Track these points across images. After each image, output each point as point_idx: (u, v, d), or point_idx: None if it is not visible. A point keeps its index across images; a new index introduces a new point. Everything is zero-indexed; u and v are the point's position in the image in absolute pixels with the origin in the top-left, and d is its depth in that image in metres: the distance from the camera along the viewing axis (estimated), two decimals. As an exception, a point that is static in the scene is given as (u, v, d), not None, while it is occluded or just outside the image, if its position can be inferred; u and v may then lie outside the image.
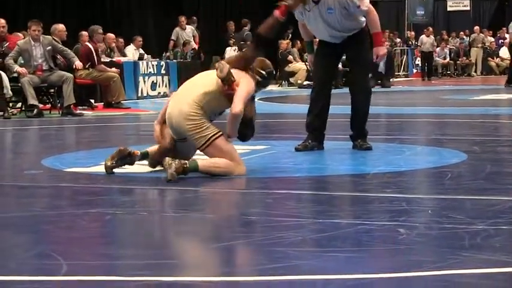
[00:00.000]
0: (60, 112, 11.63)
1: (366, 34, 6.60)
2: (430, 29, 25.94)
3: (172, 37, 18.72)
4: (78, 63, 11.76)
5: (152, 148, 5.43)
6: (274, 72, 5.83)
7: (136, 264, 3.05)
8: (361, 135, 6.65)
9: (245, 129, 5.43)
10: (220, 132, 5.21)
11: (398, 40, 28.30)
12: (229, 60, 5.53)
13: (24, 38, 12.15)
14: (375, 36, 6.47)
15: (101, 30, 13.24)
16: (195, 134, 5.17)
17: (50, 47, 11.54)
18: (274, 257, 3.11)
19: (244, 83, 5.27)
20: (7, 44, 12.04)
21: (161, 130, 5.40)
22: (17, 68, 11.19)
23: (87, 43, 12.94)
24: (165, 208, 4.36)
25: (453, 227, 3.56)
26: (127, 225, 3.92)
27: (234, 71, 5.27)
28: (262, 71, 5.49)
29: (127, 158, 5.28)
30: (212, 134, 5.17)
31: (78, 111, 11.63)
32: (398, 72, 26.93)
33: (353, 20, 6.42)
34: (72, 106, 11.48)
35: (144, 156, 5.39)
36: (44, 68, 11.44)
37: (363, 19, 6.49)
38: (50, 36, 11.82)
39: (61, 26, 12.67)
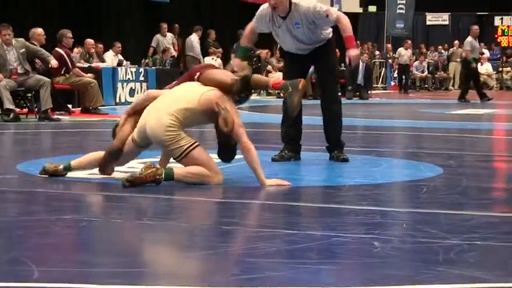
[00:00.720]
0: (37, 116, 11.58)
1: (332, 44, 6.67)
2: (409, 42, 26.14)
3: (153, 44, 18.71)
4: (53, 62, 11.69)
5: (77, 160, 5.42)
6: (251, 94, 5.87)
7: (110, 272, 3.03)
8: (337, 147, 6.67)
9: (230, 152, 5.52)
10: (197, 143, 5.20)
11: (377, 53, 28.47)
12: (214, 78, 5.45)
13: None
14: (347, 39, 6.44)
15: (70, 34, 12.99)
16: (171, 144, 5.15)
17: (23, 49, 11.49)
18: (247, 268, 3.10)
19: (232, 111, 5.25)
20: None
21: (124, 123, 5.40)
22: None
23: (58, 48, 12.73)
24: (140, 216, 4.33)
25: (427, 241, 3.57)
26: (101, 232, 3.89)
27: (216, 93, 5.27)
28: (242, 94, 5.49)
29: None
30: (188, 145, 5.16)
31: (55, 116, 11.57)
32: (377, 84, 27.08)
33: (320, 32, 6.49)
34: (49, 111, 11.43)
35: (66, 169, 5.39)
36: (19, 71, 11.38)
37: (329, 30, 6.56)
38: (22, 39, 11.75)
39: (39, 30, 12.60)
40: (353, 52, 6.46)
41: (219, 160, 5.66)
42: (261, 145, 7.93)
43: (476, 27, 18.97)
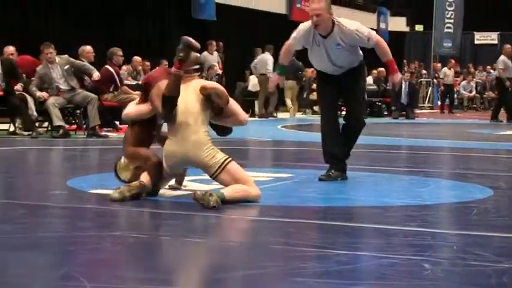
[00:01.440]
0: (86, 133, 11.73)
1: (363, 67, 6.75)
2: (453, 61, 25.91)
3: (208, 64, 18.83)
4: (96, 75, 11.82)
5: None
6: None
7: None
8: (340, 161, 6.64)
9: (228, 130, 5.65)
10: (230, 158, 5.23)
11: (424, 72, 28.30)
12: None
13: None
14: (389, 64, 6.58)
15: (120, 52, 13.08)
16: (209, 161, 5.18)
17: (67, 66, 11.65)
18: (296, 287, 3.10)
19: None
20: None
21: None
22: (38, 94, 11.35)
23: (107, 66, 12.75)
24: (188, 234, 4.35)
25: (479, 264, 3.52)
26: (150, 249, 3.91)
27: (197, 81, 5.43)
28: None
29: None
30: (224, 159, 5.20)
31: (103, 133, 11.70)
32: (423, 104, 26.89)
33: (355, 55, 6.54)
34: (97, 127, 11.56)
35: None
36: (64, 87, 11.55)
37: (361, 53, 6.61)
38: (66, 56, 11.92)
39: (88, 48, 12.77)
40: (396, 78, 6.61)
41: None
42: (307, 164, 7.95)
43: (508, 46, 18.85)
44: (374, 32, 6.51)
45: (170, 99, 5.22)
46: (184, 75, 5.35)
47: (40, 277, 3.23)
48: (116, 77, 12.77)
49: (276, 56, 19.73)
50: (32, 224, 4.54)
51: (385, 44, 6.48)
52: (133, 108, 5.58)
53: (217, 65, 18.88)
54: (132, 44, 18.15)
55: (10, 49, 12.40)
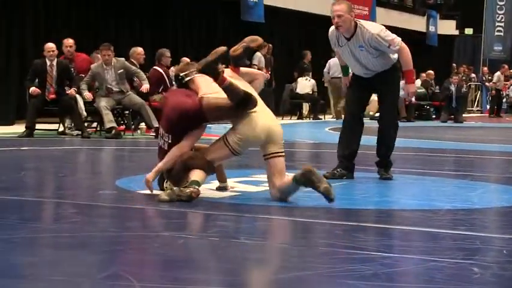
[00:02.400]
0: (133, 134, 11.89)
1: (397, 70, 6.75)
2: (506, 66, 25.59)
3: (254, 61, 18.89)
4: (145, 87, 11.90)
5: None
6: None
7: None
8: (383, 165, 6.73)
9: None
10: None
11: (473, 75, 28.00)
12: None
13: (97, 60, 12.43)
14: (407, 74, 6.63)
15: (168, 54, 13.16)
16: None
17: (122, 70, 11.76)
18: (344, 290, 3.10)
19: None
20: (73, 64, 12.40)
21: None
22: (85, 94, 11.50)
23: (156, 67, 12.80)
24: (237, 235, 4.37)
25: (529, 268, 3.49)
26: (199, 249, 3.94)
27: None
28: None
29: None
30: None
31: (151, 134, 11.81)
32: (472, 107, 26.60)
33: (384, 58, 6.54)
34: (145, 129, 11.72)
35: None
36: (115, 89, 11.68)
37: (395, 56, 6.60)
38: (122, 59, 12.03)
39: (139, 50, 12.88)
40: (411, 88, 6.73)
41: None
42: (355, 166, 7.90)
43: None
44: (399, 39, 6.47)
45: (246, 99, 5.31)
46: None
47: (88, 277, 3.28)
48: (166, 77, 12.83)
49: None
50: (81, 223, 4.60)
51: (408, 54, 6.49)
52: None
53: (264, 66, 18.92)
54: (179, 45, 18.27)
55: (69, 41, 12.58)
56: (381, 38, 6.37)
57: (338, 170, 6.69)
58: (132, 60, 12.67)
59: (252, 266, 3.64)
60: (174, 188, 5.16)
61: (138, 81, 12.25)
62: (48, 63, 11.32)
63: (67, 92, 11.40)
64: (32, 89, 11.30)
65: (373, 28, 6.45)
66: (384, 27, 6.51)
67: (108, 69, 11.71)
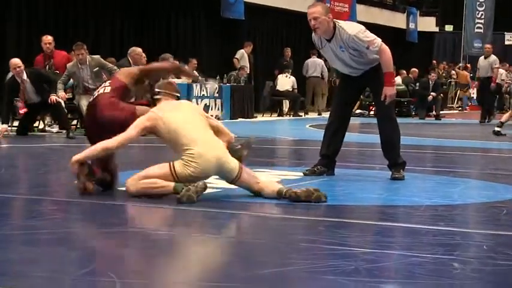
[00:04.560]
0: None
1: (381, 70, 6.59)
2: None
3: (237, 56, 18.87)
4: None
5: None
6: None
7: (182, 286, 3.06)
8: (393, 165, 6.65)
9: None
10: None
11: (453, 72, 28.10)
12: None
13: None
14: (386, 76, 6.44)
15: (171, 59, 13.44)
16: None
17: (97, 68, 11.70)
18: (326, 285, 3.09)
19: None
20: (52, 61, 12.28)
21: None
22: (59, 93, 11.26)
23: None
24: (216, 230, 4.36)
25: (509, 263, 3.50)
26: (180, 246, 3.92)
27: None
28: None
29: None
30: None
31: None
32: (452, 104, 26.73)
33: (366, 57, 6.46)
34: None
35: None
36: (90, 87, 11.61)
37: (375, 58, 6.49)
38: (97, 56, 11.96)
39: (139, 50, 12.88)
40: (389, 91, 6.44)
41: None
42: (367, 165, 7.89)
43: None
44: (379, 40, 6.37)
45: None
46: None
47: (69, 273, 3.26)
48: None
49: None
50: (61, 219, 4.58)
51: (388, 55, 6.38)
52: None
53: (248, 66, 18.93)
54: (161, 42, 18.23)
55: (48, 38, 12.47)
56: (358, 39, 6.29)
57: (318, 167, 6.69)
58: (129, 59, 12.77)
59: (231, 262, 3.63)
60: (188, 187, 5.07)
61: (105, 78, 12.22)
62: (19, 79, 11.04)
63: (49, 100, 11.10)
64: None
65: (351, 29, 6.36)
66: (363, 28, 6.43)
67: (83, 67, 11.65)
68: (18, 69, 10.99)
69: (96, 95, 5.74)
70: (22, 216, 4.89)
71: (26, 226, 4.34)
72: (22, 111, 11.14)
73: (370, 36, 6.37)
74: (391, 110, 6.81)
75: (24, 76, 11.01)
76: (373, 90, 6.83)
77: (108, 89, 5.67)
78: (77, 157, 5.22)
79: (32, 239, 3.96)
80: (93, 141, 5.45)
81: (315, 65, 21.13)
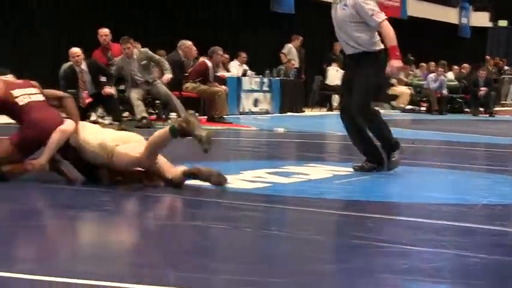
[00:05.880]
0: (163, 123, 11.86)
1: (377, 58, 6.43)
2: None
3: (284, 50, 18.80)
4: (166, 77, 11.91)
5: None
6: None
7: (234, 280, 3.03)
8: (367, 155, 6.58)
9: None
10: None
11: (506, 68, 27.68)
12: None
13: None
14: (391, 49, 6.34)
15: (221, 52, 13.66)
16: None
17: (145, 61, 11.77)
18: (381, 284, 3.03)
19: None
20: (110, 53, 12.39)
21: None
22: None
23: (206, 59, 13.29)
24: (268, 226, 4.32)
25: None
26: (228, 239, 3.89)
27: None
28: None
29: None
30: None
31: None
32: (505, 100, 26.31)
33: (363, 33, 6.35)
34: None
35: None
36: (139, 80, 11.69)
37: (375, 40, 6.39)
38: (145, 49, 12.03)
39: (189, 43, 13.04)
40: (395, 63, 6.31)
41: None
42: (420, 162, 7.79)
43: None
44: (383, 14, 6.31)
45: None
46: None
47: (120, 263, 3.25)
48: (210, 72, 13.20)
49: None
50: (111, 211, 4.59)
51: (390, 29, 6.30)
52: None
53: (296, 59, 18.85)
54: (209, 35, 18.24)
55: (104, 30, 12.57)
56: (365, 4, 6.27)
57: (367, 163, 6.57)
58: (179, 52, 12.94)
59: (284, 258, 3.58)
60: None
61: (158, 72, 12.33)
62: (77, 69, 11.21)
63: (104, 92, 11.17)
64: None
65: None
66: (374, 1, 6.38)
67: (131, 61, 11.74)
68: (77, 57, 11.08)
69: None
70: (75, 206, 4.88)
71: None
72: (87, 100, 11.17)
73: (377, 8, 6.34)
74: (364, 102, 6.48)
75: (83, 66, 11.12)
76: (353, 77, 6.52)
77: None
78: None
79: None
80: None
81: None
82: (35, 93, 5.67)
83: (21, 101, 5.57)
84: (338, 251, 3.71)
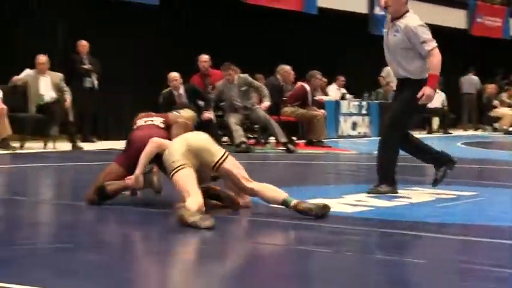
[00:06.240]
0: (262, 148, 12.01)
1: (416, 86, 6.31)
2: None
3: (383, 74, 18.72)
4: (265, 105, 12.02)
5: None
6: None
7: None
8: (380, 179, 6.45)
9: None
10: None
11: None
12: None
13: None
14: (430, 77, 6.23)
15: (319, 76, 13.75)
16: None
17: (245, 87, 11.94)
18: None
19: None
20: (208, 79, 12.62)
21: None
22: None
23: (304, 84, 13.40)
24: (372, 250, 4.32)
25: None
26: (333, 264, 3.91)
27: None
28: None
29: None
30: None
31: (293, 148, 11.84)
32: None
33: (414, 59, 6.28)
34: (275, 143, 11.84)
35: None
36: (238, 105, 11.86)
37: (418, 68, 6.32)
38: (245, 75, 12.18)
39: (287, 68, 13.19)
40: (427, 91, 6.20)
41: None
42: (491, 182, 7.70)
43: None
44: (434, 42, 6.23)
45: None
46: None
47: None
48: (309, 96, 13.30)
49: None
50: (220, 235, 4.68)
51: (439, 60, 6.22)
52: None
53: (395, 82, 18.71)
54: (307, 59, 18.32)
55: (204, 57, 12.83)
56: (418, 31, 6.22)
57: (381, 186, 6.42)
58: (278, 76, 13.11)
59: (388, 283, 3.58)
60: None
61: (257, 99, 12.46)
62: (175, 93, 11.48)
63: (202, 117, 11.37)
64: None
65: (415, 21, 6.29)
66: (426, 25, 6.33)
67: (232, 86, 11.94)
68: (175, 82, 11.39)
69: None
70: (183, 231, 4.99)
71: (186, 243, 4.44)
72: None
73: (429, 35, 6.28)
74: (390, 130, 6.48)
75: (181, 90, 11.40)
76: (393, 101, 6.61)
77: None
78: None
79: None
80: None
81: (469, 82, 20.93)
82: (154, 120, 5.92)
83: (137, 124, 5.90)
84: (444, 275, 3.68)
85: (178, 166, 5.14)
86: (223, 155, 5.34)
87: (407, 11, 6.37)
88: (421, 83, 6.30)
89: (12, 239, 4.40)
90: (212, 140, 5.47)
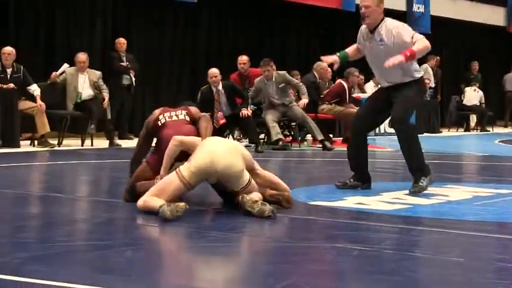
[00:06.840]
0: (299, 145, 11.98)
1: (417, 84, 6.31)
2: None
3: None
4: (303, 102, 12.02)
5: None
6: None
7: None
8: (414, 176, 6.35)
9: None
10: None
11: None
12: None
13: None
14: (410, 50, 6.00)
15: (357, 73, 13.73)
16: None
17: (282, 84, 11.95)
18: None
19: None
20: (248, 81, 12.66)
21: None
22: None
23: (342, 81, 13.38)
24: (410, 248, 4.30)
25: None
26: (374, 262, 3.90)
27: None
28: None
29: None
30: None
31: (329, 146, 11.83)
32: None
33: (399, 68, 6.15)
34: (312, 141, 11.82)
35: None
36: (276, 103, 11.88)
37: (417, 70, 6.31)
38: (283, 72, 12.19)
39: (324, 65, 13.12)
40: (397, 57, 5.96)
41: None
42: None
43: None
44: (422, 36, 6.13)
45: None
46: None
47: (267, 285, 3.32)
48: (347, 93, 13.30)
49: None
50: (254, 234, 4.68)
51: (427, 44, 6.07)
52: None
53: (432, 79, 18.61)
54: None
55: (243, 58, 12.89)
56: (403, 29, 6.16)
57: (350, 180, 6.53)
58: (315, 73, 13.12)
59: (426, 281, 3.56)
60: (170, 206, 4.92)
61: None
62: (214, 90, 11.53)
63: (241, 113, 11.40)
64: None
65: (396, 23, 6.24)
66: (406, 25, 6.28)
67: (270, 83, 11.95)
68: (214, 78, 11.47)
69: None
70: (225, 229, 5.01)
71: (221, 239, 4.47)
72: (222, 121, 11.47)
73: (411, 31, 6.20)
74: (403, 115, 6.32)
75: (220, 87, 11.46)
76: (395, 98, 6.33)
77: None
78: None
79: (226, 251, 4.08)
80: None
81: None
82: (179, 115, 5.89)
83: (161, 121, 5.84)
84: (482, 274, 3.65)
85: (180, 176, 5.09)
86: (248, 182, 5.24)
87: (383, 19, 6.30)
88: (418, 82, 6.34)
89: (49, 236, 4.46)
90: (240, 159, 5.24)
